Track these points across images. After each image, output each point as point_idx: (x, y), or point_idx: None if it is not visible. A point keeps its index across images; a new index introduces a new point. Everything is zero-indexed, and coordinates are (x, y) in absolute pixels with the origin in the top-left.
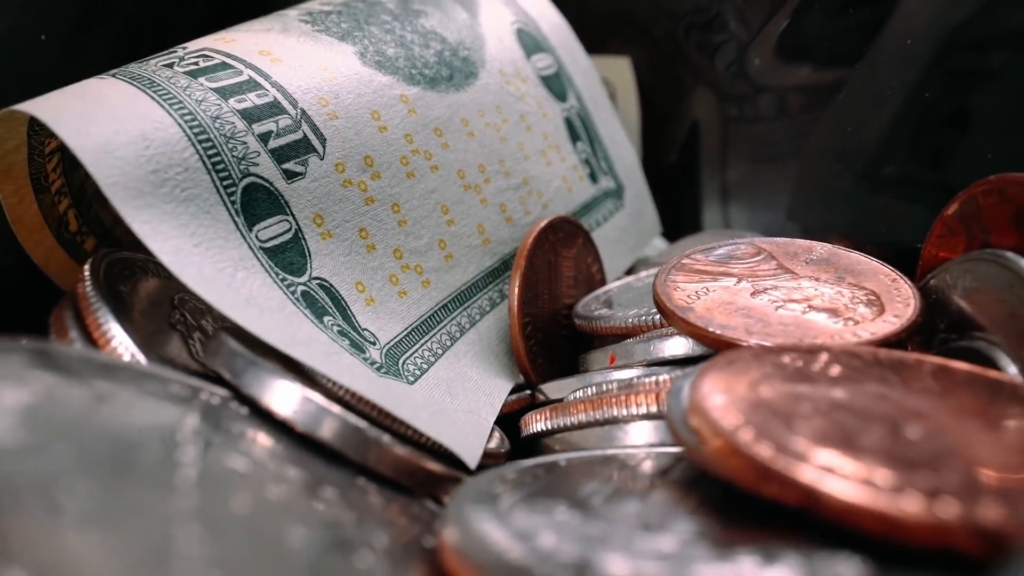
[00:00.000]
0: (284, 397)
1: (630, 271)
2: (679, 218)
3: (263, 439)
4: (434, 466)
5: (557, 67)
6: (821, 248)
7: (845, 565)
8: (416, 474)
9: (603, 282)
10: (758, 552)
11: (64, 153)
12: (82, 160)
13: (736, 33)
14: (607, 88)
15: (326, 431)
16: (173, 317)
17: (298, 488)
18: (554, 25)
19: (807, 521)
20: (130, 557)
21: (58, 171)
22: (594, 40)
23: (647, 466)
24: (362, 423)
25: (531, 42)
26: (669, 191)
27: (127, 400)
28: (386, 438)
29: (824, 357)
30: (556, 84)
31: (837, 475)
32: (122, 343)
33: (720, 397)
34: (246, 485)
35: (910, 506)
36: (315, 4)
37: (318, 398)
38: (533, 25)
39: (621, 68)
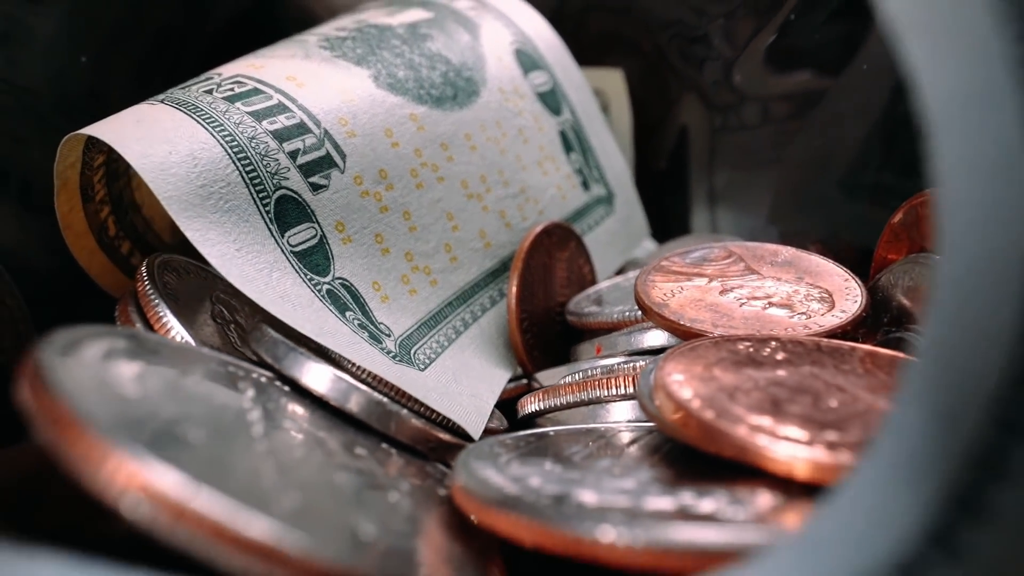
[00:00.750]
0: (319, 377)
1: (620, 271)
2: (668, 221)
3: (302, 411)
4: (444, 436)
5: (552, 84)
6: (786, 251)
7: (762, 496)
8: (430, 441)
9: (594, 282)
10: (697, 489)
11: (107, 167)
12: (144, 178)
13: (722, 48)
14: (601, 98)
15: (354, 404)
16: (213, 311)
17: (336, 445)
18: (550, 44)
19: (741, 469)
20: (237, 485)
21: (102, 182)
22: (589, 54)
23: (623, 436)
24: (384, 398)
25: (528, 61)
26: (659, 195)
27: (200, 374)
28: (404, 411)
29: (773, 344)
30: (551, 99)
31: (763, 433)
32: (178, 333)
33: (679, 376)
34: (297, 441)
35: (814, 455)
36: (330, 29)
37: (347, 377)
38: (530, 44)
39: (614, 80)
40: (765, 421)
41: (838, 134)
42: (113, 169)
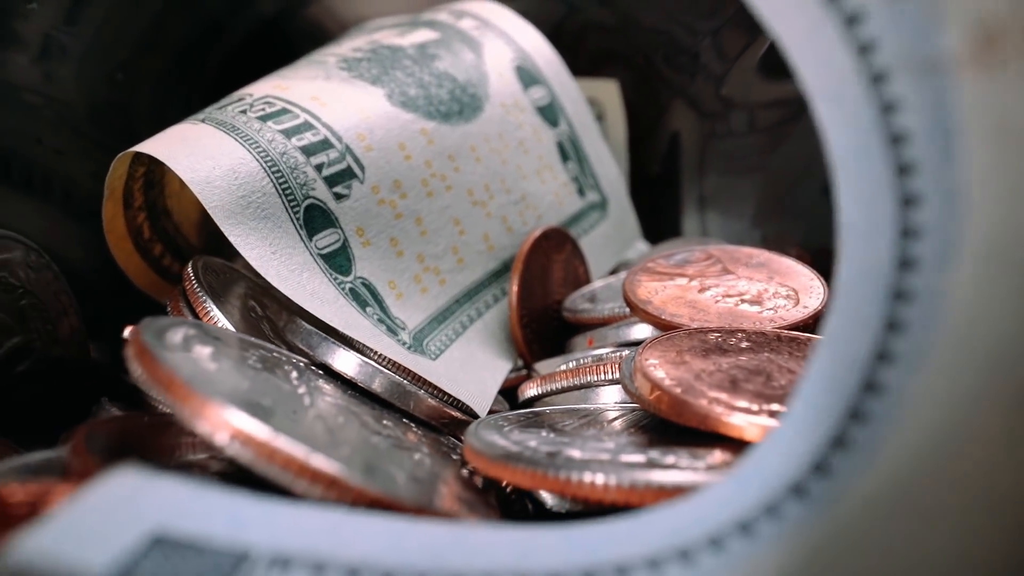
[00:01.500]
0: (347, 362)
1: (613, 271)
2: (661, 224)
3: (334, 391)
4: (455, 413)
5: (550, 98)
6: (761, 255)
7: (717, 454)
8: (443, 418)
9: (588, 281)
10: (664, 449)
11: (146, 176)
12: (193, 190)
13: (711, 62)
14: (597, 108)
15: (378, 385)
16: (247, 307)
17: (368, 418)
18: (548, 60)
19: (703, 435)
20: (301, 437)
21: (141, 191)
22: (586, 66)
23: (608, 414)
24: (404, 380)
25: (528, 76)
26: (652, 199)
27: (255, 357)
28: (422, 392)
29: (739, 335)
30: (549, 112)
31: (721, 405)
32: (225, 326)
33: (655, 361)
34: (337, 412)
35: (760, 421)
36: (347, 50)
37: (372, 362)
38: (530, 61)
39: (609, 90)
40: (723, 396)
41: (818, 144)
42: (150, 179)
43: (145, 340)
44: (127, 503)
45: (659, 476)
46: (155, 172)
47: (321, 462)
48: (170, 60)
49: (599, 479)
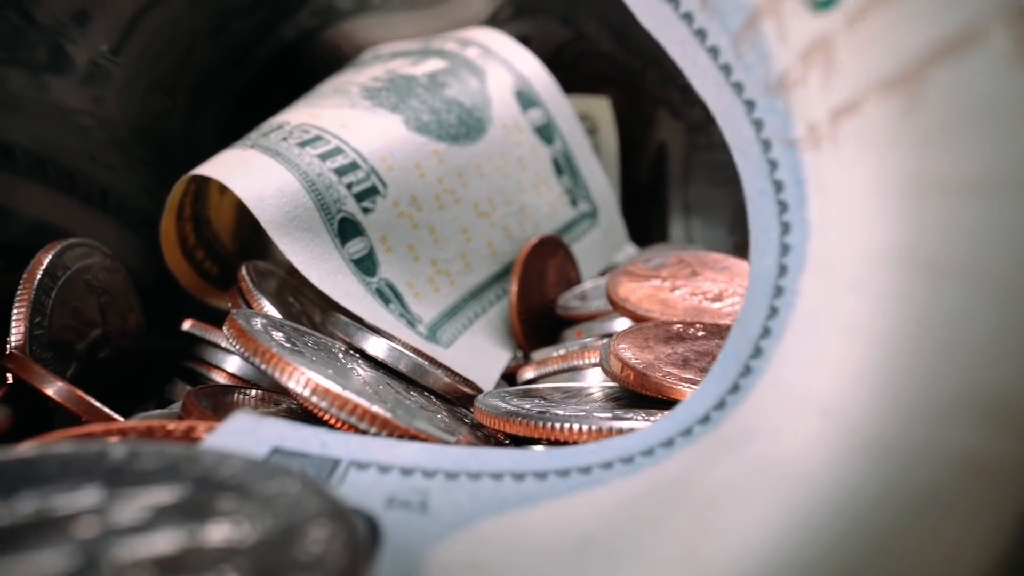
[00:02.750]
0: (379, 346)
1: (603, 273)
2: (650, 230)
3: (369, 367)
4: (466, 389)
5: (547, 118)
6: (725, 259)
7: (664, 413)
8: (455, 392)
9: (579, 282)
10: (627, 411)
11: (195, 192)
12: (249, 206)
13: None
14: (590, 123)
15: (403, 365)
16: (287, 301)
17: (398, 387)
18: (545, 84)
19: (659, 403)
20: (357, 392)
21: (190, 204)
22: (580, 86)
23: (590, 390)
24: (424, 361)
25: (526, 100)
26: (641, 207)
27: (312, 341)
28: (439, 371)
29: (697, 326)
30: (546, 132)
31: (672, 378)
32: (276, 316)
33: (626, 346)
34: (375, 380)
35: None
36: (367, 79)
37: (398, 345)
38: (528, 86)
39: (602, 107)
40: (675, 372)
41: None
42: (198, 194)
43: (242, 324)
44: (250, 431)
45: (619, 424)
46: (203, 188)
47: (377, 409)
48: (201, 82)
49: (575, 427)
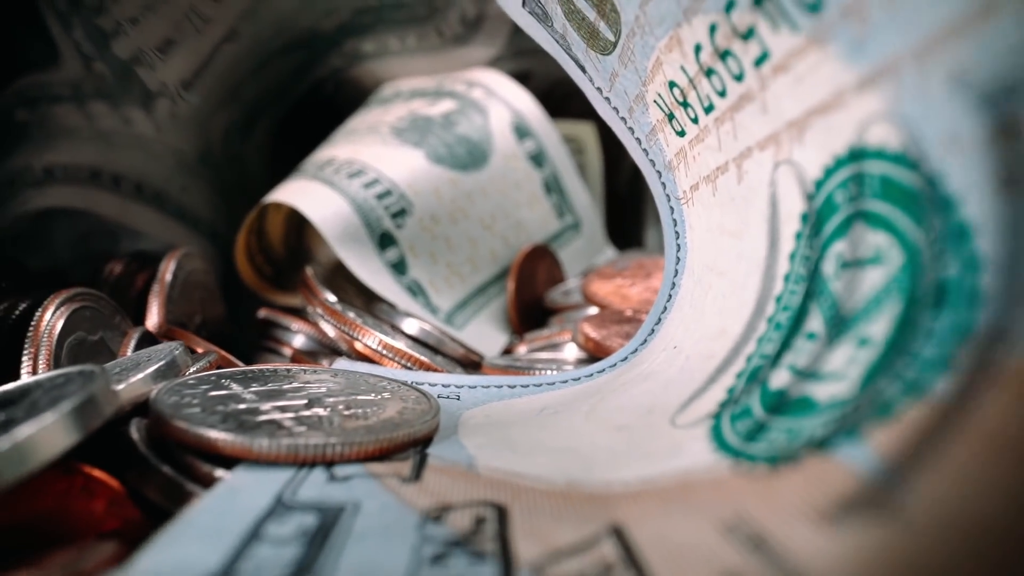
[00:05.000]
0: (413, 325)
1: (584, 274)
2: (629, 236)
3: (404, 340)
4: (475, 357)
5: (539, 148)
6: None
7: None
8: (467, 359)
9: (563, 281)
10: (591, 366)
11: (260, 210)
12: (316, 225)
13: None
14: (578, 144)
15: (431, 340)
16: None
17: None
18: (538, 119)
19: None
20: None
21: (255, 220)
22: (573, 112)
23: (565, 358)
24: (445, 336)
25: (521, 131)
26: (621, 217)
27: (368, 318)
28: (455, 344)
29: (642, 312)
30: (537, 158)
31: (617, 345)
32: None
33: (589, 325)
34: (412, 345)
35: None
36: (393, 119)
37: (426, 325)
38: (524, 120)
39: (588, 131)
40: (620, 341)
41: None
42: (262, 211)
43: (335, 308)
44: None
45: (577, 372)
46: (264, 206)
47: (422, 357)
48: (249, 113)
49: (548, 371)
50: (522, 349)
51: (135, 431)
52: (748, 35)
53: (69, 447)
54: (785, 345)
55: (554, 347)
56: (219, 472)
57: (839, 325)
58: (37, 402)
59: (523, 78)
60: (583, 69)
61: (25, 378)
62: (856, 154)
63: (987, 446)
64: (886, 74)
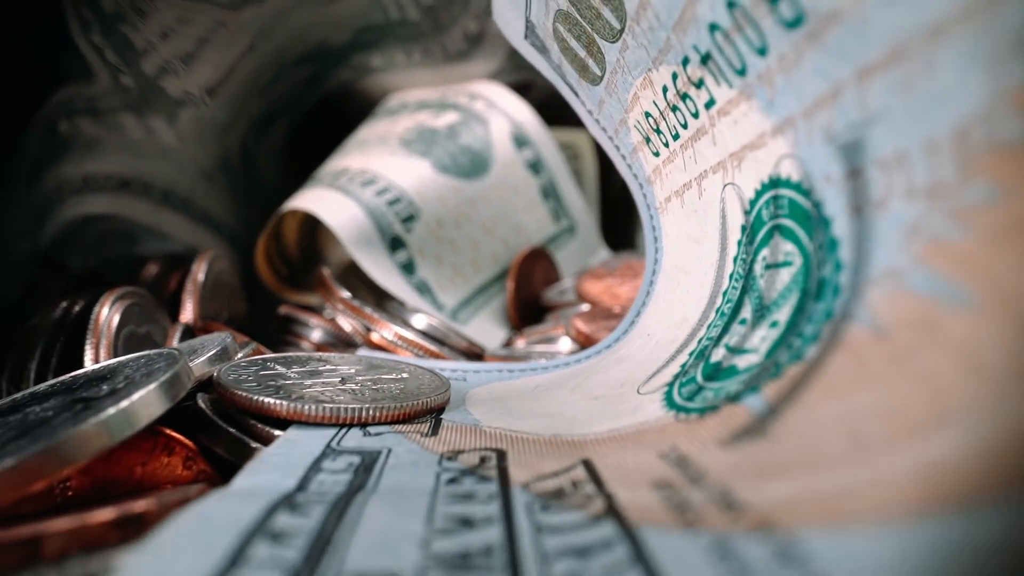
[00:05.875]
0: (421, 320)
1: (580, 274)
2: (623, 237)
3: (414, 333)
4: (477, 349)
5: (536, 156)
6: None
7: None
8: (471, 351)
9: (559, 280)
10: (579, 353)
11: (279, 218)
12: (333, 230)
13: None
14: (574, 151)
15: (437, 333)
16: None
17: (433, 346)
18: (535, 128)
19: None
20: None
21: (274, 225)
22: (571, 120)
23: (558, 350)
24: (450, 331)
25: (520, 141)
26: (616, 219)
27: (383, 316)
28: (459, 337)
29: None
30: (535, 166)
31: (604, 335)
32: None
33: (580, 320)
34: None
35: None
36: (401, 130)
37: (434, 320)
38: (522, 130)
39: (584, 138)
40: (607, 334)
41: None
42: (280, 217)
43: (353, 304)
44: None
45: (566, 359)
46: (284, 213)
47: (432, 347)
48: (262, 123)
49: (542, 360)
50: (520, 343)
51: (202, 402)
52: (699, 84)
53: (161, 413)
54: (725, 329)
55: (549, 340)
56: (275, 432)
57: (761, 312)
58: (133, 377)
59: (525, 88)
60: (576, 93)
61: (105, 361)
62: (774, 182)
63: (828, 388)
64: (787, 125)
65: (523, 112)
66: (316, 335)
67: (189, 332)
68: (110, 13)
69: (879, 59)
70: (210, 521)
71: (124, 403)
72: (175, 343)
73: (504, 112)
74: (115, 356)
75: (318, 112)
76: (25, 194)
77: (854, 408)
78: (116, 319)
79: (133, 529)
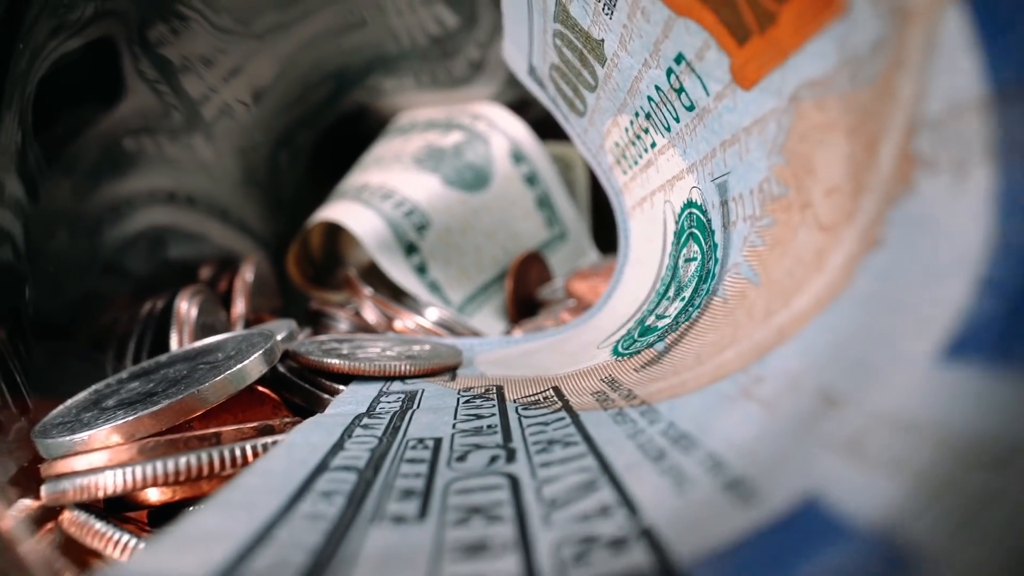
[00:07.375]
0: (434, 313)
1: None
2: (612, 241)
3: (429, 323)
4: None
5: (532, 170)
6: None
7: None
8: (476, 337)
9: (551, 280)
10: (563, 326)
11: (311, 226)
12: (359, 238)
13: None
14: (567, 162)
15: (448, 324)
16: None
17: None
18: (531, 145)
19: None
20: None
21: (303, 231)
22: (564, 135)
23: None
24: (458, 322)
25: (517, 157)
26: (606, 224)
27: (405, 308)
28: (466, 328)
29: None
30: (531, 179)
31: (594, 299)
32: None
33: (568, 313)
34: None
35: None
36: (413, 149)
37: (443, 313)
38: (520, 147)
39: (576, 151)
40: (594, 297)
41: None
42: (307, 225)
43: (379, 297)
44: None
45: (552, 329)
46: (312, 221)
47: (444, 333)
48: (285, 139)
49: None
50: (517, 333)
51: (283, 368)
52: (646, 131)
53: (262, 373)
54: (657, 304)
55: (541, 331)
56: (338, 387)
57: (677, 291)
58: (240, 347)
59: (523, 106)
60: (567, 119)
61: (207, 340)
62: (689, 203)
63: (696, 334)
64: (693, 168)
65: (520, 131)
66: (343, 327)
67: (246, 323)
68: (161, 56)
69: (728, 138)
70: (320, 426)
71: (240, 365)
72: (239, 330)
73: (503, 131)
74: (195, 340)
75: (336, 129)
76: (76, 207)
77: (703, 343)
78: (194, 311)
79: (268, 433)
